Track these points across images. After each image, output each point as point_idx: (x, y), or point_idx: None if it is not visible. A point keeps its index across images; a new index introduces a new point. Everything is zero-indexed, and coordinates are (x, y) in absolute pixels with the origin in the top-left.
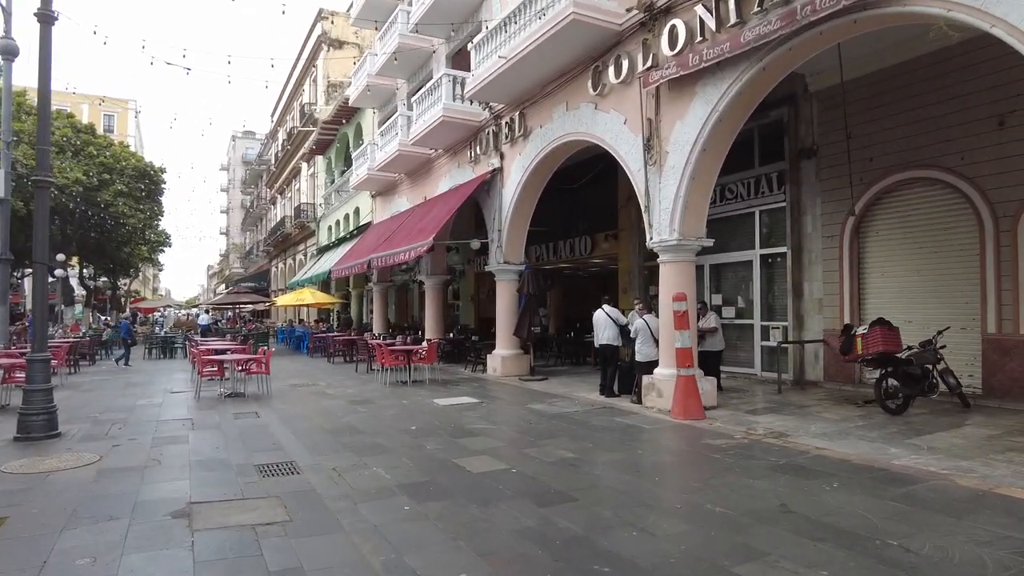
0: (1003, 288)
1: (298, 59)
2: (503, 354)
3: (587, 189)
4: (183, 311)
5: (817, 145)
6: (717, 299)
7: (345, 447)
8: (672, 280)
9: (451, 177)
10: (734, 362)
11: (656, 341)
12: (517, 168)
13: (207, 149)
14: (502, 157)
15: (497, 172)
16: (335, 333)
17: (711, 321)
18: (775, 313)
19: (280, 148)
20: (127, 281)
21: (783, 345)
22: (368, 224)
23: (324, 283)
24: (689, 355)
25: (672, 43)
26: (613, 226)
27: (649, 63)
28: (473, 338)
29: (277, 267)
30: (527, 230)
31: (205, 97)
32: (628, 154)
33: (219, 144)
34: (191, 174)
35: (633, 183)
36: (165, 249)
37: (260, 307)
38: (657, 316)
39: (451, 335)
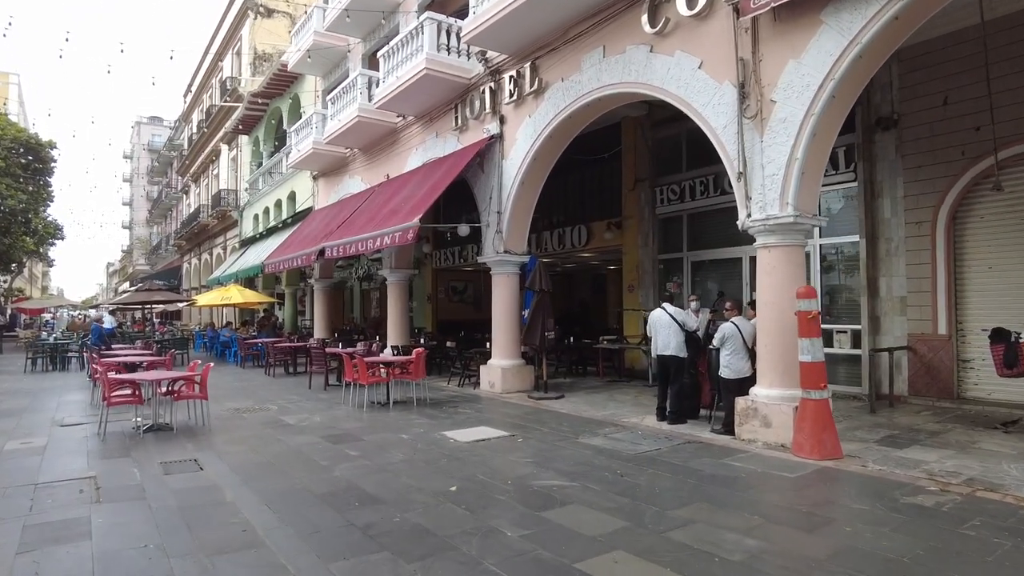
0: None
1: (218, 29)
2: (503, 365)
3: (583, 170)
4: (78, 312)
5: (898, 114)
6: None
7: (370, 538)
8: (781, 271)
9: (425, 150)
10: None
11: (750, 352)
12: (525, 134)
13: (107, 134)
14: (502, 122)
15: (496, 140)
16: (271, 339)
17: None
18: (840, 315)
19: (195, 130)
20: (6, 278)
21: (877, 352)
22: (309, 210)
23: (249, 281)
24: (821, 372)
25: None
26: (616, 213)
27: None
28: (448, 344)
29: (190, 263)
30: (532, 213)
31: (102, 78)
32: (707, 107)
33: (120, 130)
34: (86, 156)
35: (717, 144)
36: (56, 242)
37: (171, 308)
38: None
39: (421, 341)
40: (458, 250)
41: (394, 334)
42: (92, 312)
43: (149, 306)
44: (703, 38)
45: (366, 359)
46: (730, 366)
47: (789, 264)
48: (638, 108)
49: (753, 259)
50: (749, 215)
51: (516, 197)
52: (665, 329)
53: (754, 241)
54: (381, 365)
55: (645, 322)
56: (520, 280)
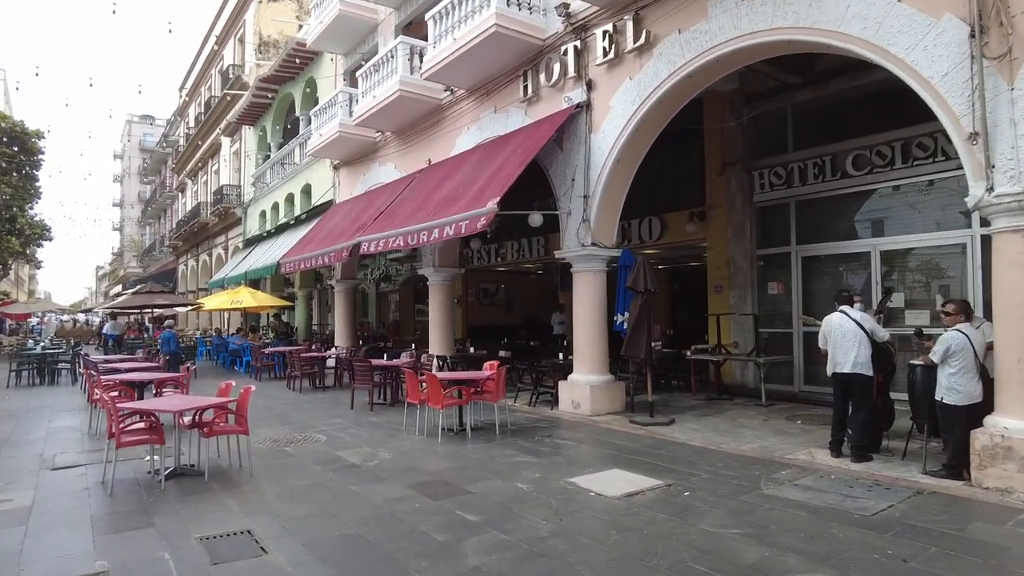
0: None
1: (218, 15)
2: (590, 381)
3: (653, 154)
4: (67, 317)
5: None
6: (896, 299)
7: None
8: (1019, 261)
9: (479, 129)
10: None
11: (981, 370)
12: (624, 101)
13: (97, 130)
14: (590, 88)
15: (581, 110)
16: (288, 347)
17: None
18: None
19: (193, 123)
20: None
21: None
22: (329, 204)
23: (253, 284)
24: None
25: None
26: (699, 202)
27: None
28: (502, 354)
29: (187, 265)
30: (624, 199)
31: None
32: (914, 51)
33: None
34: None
35: (931, 98)
36: (44, 243)
37: (167, 313)
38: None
39: (471, 350)
40: (494, 248)
41: (438, 343)
42: (80, 316)
43: (148, 310)
44: None
45: (439, 376)
46: (959, 388)
47: None
48: (729, 81)
49: (882, 253)
50: (991, 189)
51: (609, 178)
52: (849, 339)
53: (870, 233)
54: (457, 384)
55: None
56: (607, 279)
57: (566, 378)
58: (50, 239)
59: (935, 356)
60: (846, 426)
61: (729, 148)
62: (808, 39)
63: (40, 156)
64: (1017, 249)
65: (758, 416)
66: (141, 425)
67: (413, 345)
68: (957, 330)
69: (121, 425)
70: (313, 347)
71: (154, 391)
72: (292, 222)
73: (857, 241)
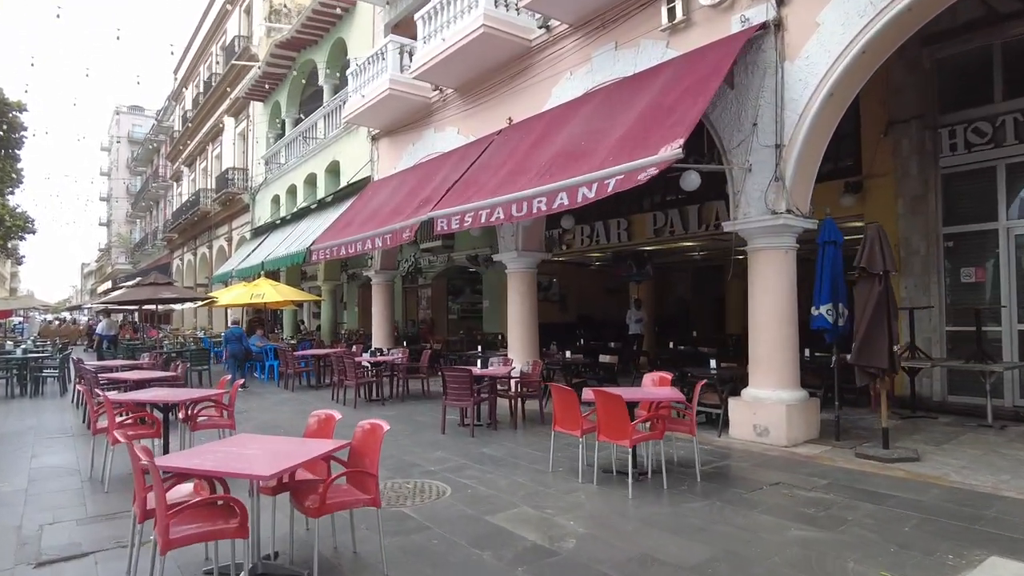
0: None
1: None
2: (784, 399)
3: None
4: (51, 316)
5: None
6: None
7: None
8: None
9: (591, 72)
10: None
11: None
12: (843, 13)
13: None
14: (781, 1)
15: (767, 31)
16: (324, 349)
17: None
18: None
19: (191, 106)
20: None
21: None
22: (366, 181)
23: (271, 275)
24: None
25: None
26: (854, 170)
27: None
28: (601, 359)
29: (183, 259)
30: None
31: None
32: None
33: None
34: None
35: None
36: (26, 236)
37: (161, 308)
38: None
39: (566, 354)
40: (557, 233)
41: (520, 346)
42: (64, 315)
43: (138, 307)
44: None
45: (621, 395)
46: None
47: None
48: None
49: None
50: None
51: (815, 121)
52: None
53: None
54: (644, 409)
55: None
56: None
57: (737, 393)
58: (33, 231)
59: None
60: None
61: (898, 102)
62: None
63: (22, 133)
64: None
65: (1020, 445)
66: (195, 496)
67: (502, 349)
68: None
69: (168, 510)
70: (354, 349)
71: (183, 415)
72: (315, 206)
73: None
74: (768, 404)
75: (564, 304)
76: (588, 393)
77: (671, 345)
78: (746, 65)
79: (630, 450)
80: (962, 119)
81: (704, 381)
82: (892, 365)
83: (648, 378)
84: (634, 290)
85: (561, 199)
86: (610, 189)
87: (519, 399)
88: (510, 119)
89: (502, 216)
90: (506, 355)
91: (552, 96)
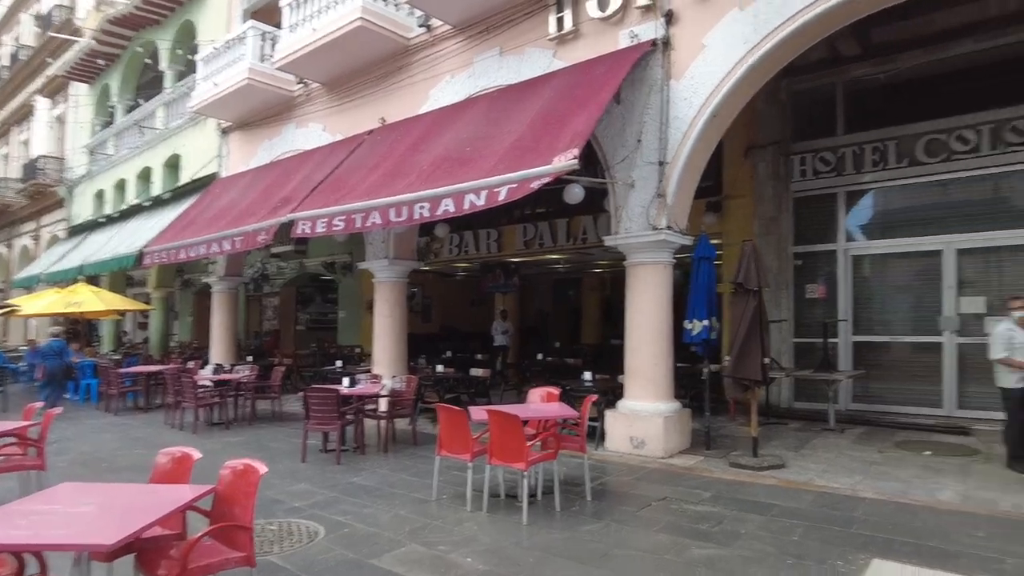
0: None
1: None
2: (661, 411)
3: None
4: None
5: None
6: (974, 304)
7: None
8: None
9: (472, 76)
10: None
11: None
12: (730, 36)
13: None
14: (669, 20)
15: (656, 49)
16: (155, 365)
17: None
18: None
19: None
20: None
21: None
22: (212, 178)
23: (91, 280)
24: None
25: None
26: (715, 191)
27: None
28: (472, 373)
29: None
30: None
31: None
32: None
33: None
34: None
35: None
36: None
37: None
38: None
39: (438, 368)
40: (424, 241)
41: (386, 359)
42: None
43: None
44: None
45: (517, 413)
46: None
47: None
48: None
49: (958, 252)
50: None
51: (698, 140)
52: None
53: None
54: (542, 427)
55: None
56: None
57: (613, 406)
58: None
59: None
60: None
61: (759, 127)
62: None
63: None
64: None
65: (862, 446)
66: None
67: (363, 364)
68: None
69: None
70: (191, 365)
71: None
72: (149, 203)
73: (925, 238)
74: (645, 416)
75: (428, 315)
76: (479, 413)
77: (539, 357)
78: (632, 81)
79: (525, 474)
80: (811, 148)
81: (595, 396)
82: (764, 377)
83: (535, 394)
84: (500, 301)
85: (446, 206)
86: (501, 198)
87: (390, 420)
88: (383, 119)
89: (379, 221)
90: (370, 371)
91: (430, 99)
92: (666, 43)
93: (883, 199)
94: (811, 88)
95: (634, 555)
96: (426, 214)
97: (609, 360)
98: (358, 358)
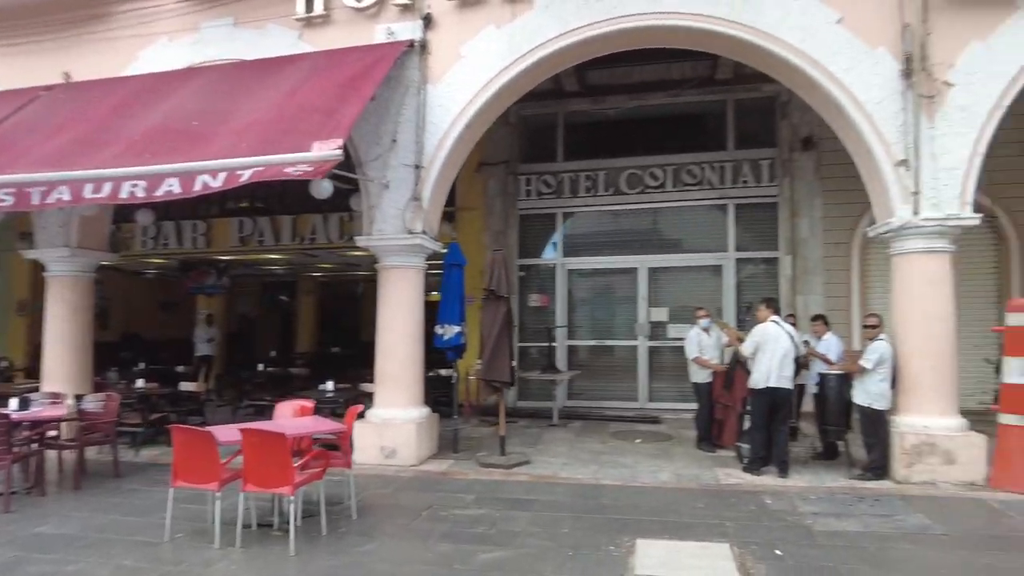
0: None
1: None
2: (413, 418)
3: None
4: None
5: (817, 137)
6: (660, 314)
7: None
8: (935, 278)
9: (199, 43)
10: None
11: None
12: (487, 52)
13: None
14: (428, 23)
15: (413, 50)
16: None
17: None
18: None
19: None
20: None
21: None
22: None
23: None
24: None
25: None
26: (449, 202)
27: None
28: (183, 388)
29: None
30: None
31: None
32: (851, 73)
33: None
34: None
35: (863, 121)
36: None
37: None
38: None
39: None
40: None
41: (62, 373)
42: None
43: None
44: None
45: (284, 430)
46: (886, 394)
47: (942, 269)
48: None
49: (650, 270)
50: (916, 212)
51: (454, 147)
52: (785, 352)
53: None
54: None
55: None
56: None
57: (362, 416)
58: None
59: (868, 363)
60: (770, 442)
61: (493, 146)
62: (742, 36)
63: None
64: (931, 268)
65: (586, 438)
66: None
67: (20, 381)
68: (883, 340)
69: None
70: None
71: None
72: None
73: (626, 257)
74: (397, 424)
75: (105, 319)
76: (227, 433)
77: (260, 367)
78: (388, 79)
79: (292, 499)
80: (535, 171)
81: (360, 407)
82: (513, 379)
83: (286, 408)
84: (204, 304)
85: (170, 185)
86: (244, 179)
87: (80, 449)
88: (68, 75)
89: (67, 198)
90: (40, 387)
91: (139, 60)
92: (424, 46)
93: (594, 221)
94: (537, 115)
95: (424, 570)
96: (140, 194)
97: (333, 369)
98: (4, 373)
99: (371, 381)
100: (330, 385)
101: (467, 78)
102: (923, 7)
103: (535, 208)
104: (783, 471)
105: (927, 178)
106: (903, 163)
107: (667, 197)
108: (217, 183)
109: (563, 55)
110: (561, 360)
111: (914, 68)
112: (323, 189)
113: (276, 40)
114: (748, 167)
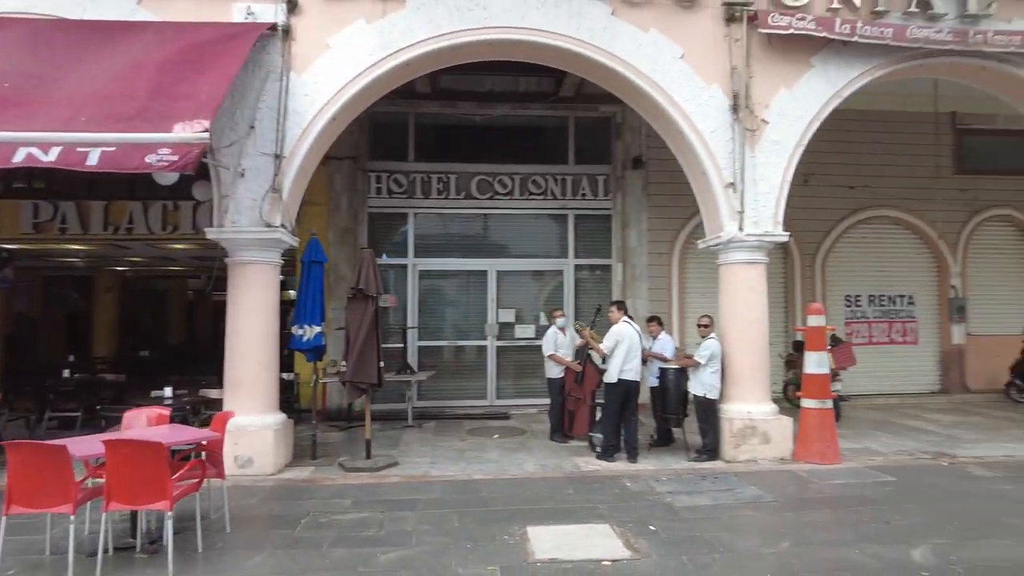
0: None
1: None
2: (269, 424)
3: None
4: None
5: (646, 157)
6: (508, 315)
7: None
8: (754, 285)
9: None
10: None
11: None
12: (356, 46)
13: None
14: (292, 8)
15: (274, 36)
16: None
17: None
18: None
19: None
20: None
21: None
22: None
23: None
24: (827, 383)
25: None
26: None
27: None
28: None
29: None
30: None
31: None
32: (692, 104)
33: None
34: None
35: (700, 147)
36: None
37: None
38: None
39: None
40: None
41: None
42: None
43: None
44: (686, 29)
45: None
46: (718, 385)
47: (762, 280)
48: None
49: (499, 273)
50: (741, 228)
51: (317, 139)
52: (636, 347)
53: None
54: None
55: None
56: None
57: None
58: None
59: (703, 359)
60: (619, 430)
61: (341, 140)
62: (601, 61)
63: None
64: (752, 276)
65: (444, 437)
66: None
67: None
68: (714, 338)
69: None
70: None
71: None
72: None
73: (477, 260)
74: (253, 432)
75: None
76: (85, 446)
77: (67, 374)
78: (247, 63)
79: (170, 514)
80: (386, 168)
81: (232, 413)
82: (380, 380)
83: (140, 416)
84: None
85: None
86: (91, 162)
87: None
88: None
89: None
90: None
91: None
92: (287, 31)
93: (445, 223)
94: (387, 113)
95: None
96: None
97: (143, 375)
98: None
99: (209, 386)
100: (168, 391)
101: (335, 70)
102: (747, 54)
103: (386, 206)
104: (633, 457)
105: (749, 199)
106: (731, 185)
107: (515, 204)
108: (49, 158)
109: (434, 58)
110: (411, 361)
111: (740, 105)
112: (165, 176)
113: (111, 3)
114: (586, 181)
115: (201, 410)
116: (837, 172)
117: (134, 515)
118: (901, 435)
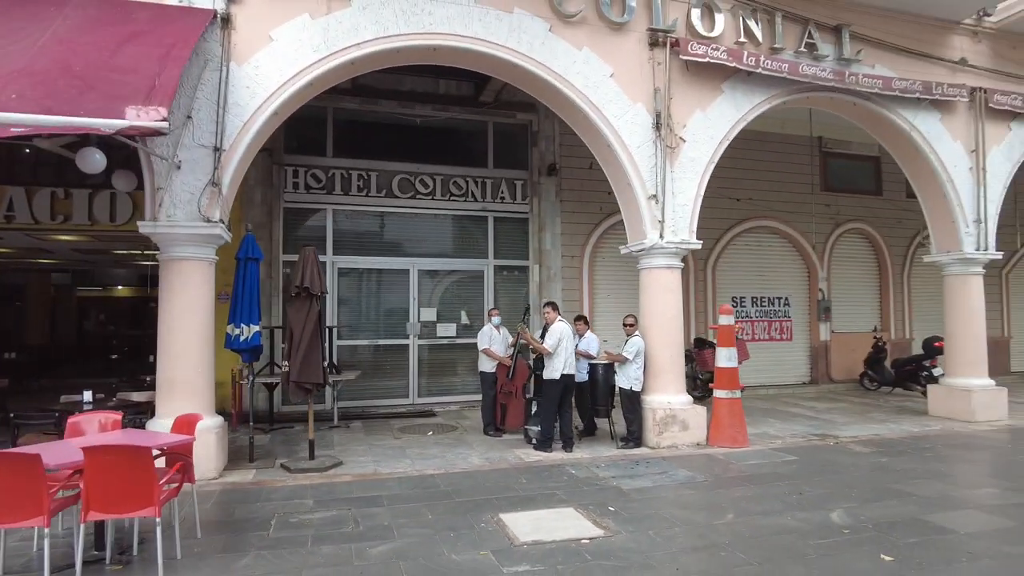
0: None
1: None
2: (209, 427)
3: None
4: None
5: (559, 165)
6: (430, 314)
7: None
8: (672, 287)
9: None
10: (464, 389)
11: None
12: (299, 41)
13: None
14: None
15: (215, 23)
16: None
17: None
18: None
19: None
20: None
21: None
22: None
23: None
24: (736, 375)
25: (709, 25)
26: None
27: (672, 28)
28: None
29: None
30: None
31: None
32: (620, 120)
33: None
34: None
35: (626, 161)
36: None
37: None
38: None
39: None
40: None
41: None
42: None
43: None
44: (615, 50)
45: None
46: (641, 379)
47: (676, 282)
48: None
49: (420, 272)
50: (662, 236)
51: (258, 133)
52: (573, 346)
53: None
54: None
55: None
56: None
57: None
58: None
59: (630, 355)
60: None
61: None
62: (539, 73)
63: None
64: (670, 279)
65: (377, 436)
66: None
67: None
68: (639, 336)
69: None
70: None
71: None
72: None
73: (399, 259)
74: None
75: None
76: (58, 453)
77: None
78: (203, 48)
79: (159, 520)
80: (303, 163)
81: (200, 416)
82: (326, 380)
83: (87, 423)
84: None
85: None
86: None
87: None
88: None
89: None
90: None
91: None
92: (227, 20)
93: (367, 221)
94: (305, 106)
95: (329, 571)
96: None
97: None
98: None
99: (127, 389)
100: (88, 395)
101: (277, 63)
102: (668, 78)
103: (303, 202)
104: (568, 446)
105: (669, 210)
106: (653, 197)
107: (436, 205)
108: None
109: (380, 58)
110: (334, 360)
111: (661, 124)
112: (93, 162)
113: None
114: (505, 185)
115: (149, 414)
116: (726, 186)
117: (99, 526)
118: (789, 421)
